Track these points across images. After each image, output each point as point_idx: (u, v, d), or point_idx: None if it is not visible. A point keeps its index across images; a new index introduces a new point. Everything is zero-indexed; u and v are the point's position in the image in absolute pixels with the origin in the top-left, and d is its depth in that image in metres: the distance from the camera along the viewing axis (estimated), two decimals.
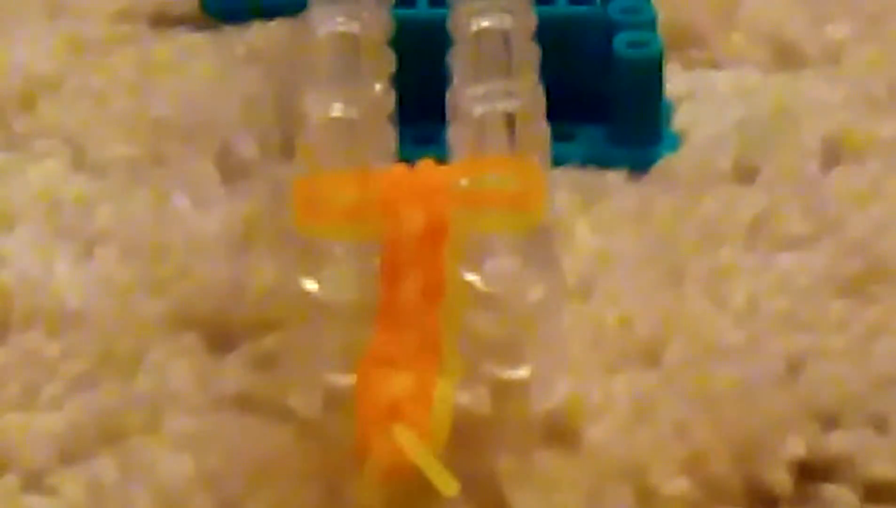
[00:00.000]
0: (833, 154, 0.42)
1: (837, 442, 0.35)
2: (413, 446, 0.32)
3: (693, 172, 0.42)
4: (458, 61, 0.38)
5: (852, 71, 0.45)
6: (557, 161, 0.39)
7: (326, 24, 0.39)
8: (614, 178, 0.42)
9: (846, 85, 0.44)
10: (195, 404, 0.36)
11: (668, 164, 0.42)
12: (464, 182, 0.34)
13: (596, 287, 0.38)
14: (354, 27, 0.38)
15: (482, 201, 0.34)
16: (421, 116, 0.39)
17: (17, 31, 0.47)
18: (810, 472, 0.34)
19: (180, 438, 0.35)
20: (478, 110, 0.36)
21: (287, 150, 0.41)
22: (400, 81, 0.39)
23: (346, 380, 0.33)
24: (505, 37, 0.38)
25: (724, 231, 0.40)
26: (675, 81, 0.44)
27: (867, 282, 0.39)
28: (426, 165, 0.35)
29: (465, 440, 0.33)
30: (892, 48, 0.45)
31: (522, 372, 0.35)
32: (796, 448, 0.35)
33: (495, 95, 0.36)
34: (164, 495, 0.34)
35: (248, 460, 0.35)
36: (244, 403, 0.36)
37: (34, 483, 0.35)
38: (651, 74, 0.42)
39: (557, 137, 0.38)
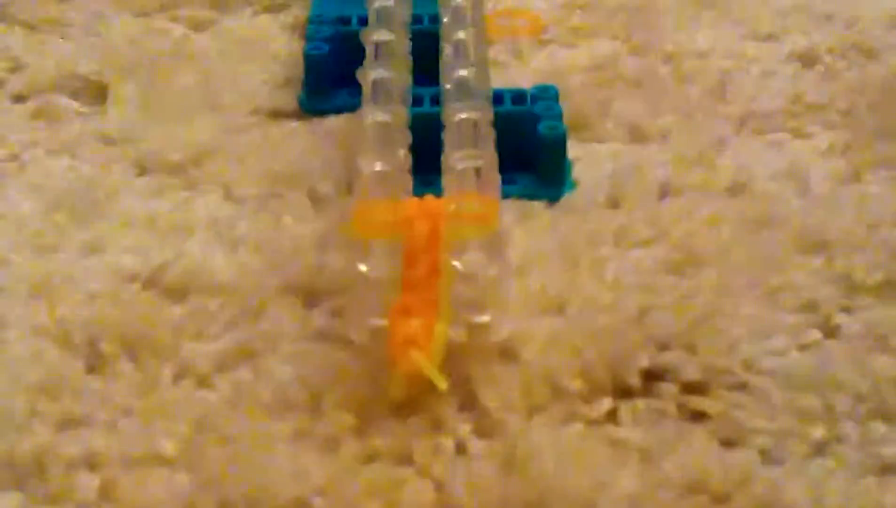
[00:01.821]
0: (664, 191, 0.42)
1: (666, 359, 0.35)
2: (422, 361, 0.32)
3: (583, 203, 0.41)
4: (448, 138, 0.38)
5: (676, 144, 0.44)
6: (504, 195, 0.39)
7: (371, 115, 0.38)
8: (538, 206, 0.41)
9: (671, 152, 0.44)
10: (296, 338, 0.36)
11: (569, 198, 0.42)
12: (451, 208, 0.35)
13: (527, 269, 0.38)
14: (387, 118, 0.38)
15: (461, 219, 0.34)
16: (427, 170, 0.38)
17: (193, 117, 0.46)
18: (651, 375, 0.35)
19: (288, 357, 0.35)
20: (459, 166, 0.36)
21: (349, 189, 0.41)
22: (414, 149, 0.39)
23: (383, 323, 0.34)
24: (475, 123, 0.38)
25: (601, 237, 0.40)
26: (573, 149, 0.43)
27: (683, 266, 0.38)
28: (429, 198, 0.36)
29: (452, 358, 0.34)
30: (699, 131, 0.45)
31: (485, 318, 0.35)
32: (642, 361, 0.35)
33: (469, 157, 0.36)
34: (279, 393, 0.34)
35: (327, 369, 0.35)
36: (325, 337, 0.36)
37: (203, 382, 0.35)
38: (560, 146, 0.42)
39: (505, 181, 0.38)
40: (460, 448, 0.32)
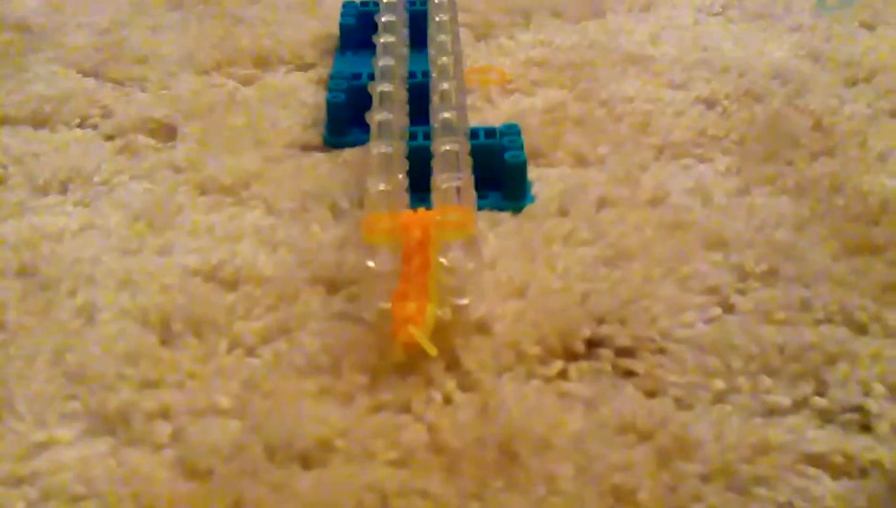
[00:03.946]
0: (601, 203, 0.42)
1: (603, 330, 0.35)
2: (417, 334, 0.32)
3: (539, 212, 0.41)
4: (436, 164, 0.38)
5: (610, 167, 0.44)
6: (479, 207, 0.39)
7: (377, 148, 0.38)
8: (505, 215, 0.41)
9: (607, 173, 0.44)
10: (321, 317, 0.36)
11: (529, 209, 0.41)
12: (438, 218, 0.35)
13: (497, 262, 0.38)
14: (389, 149, 0.38)
15: (446, 226, 0.34)
16: (420, 189, 0.38)
17: (242, 150, 0.46)
18: (592, 343, 0.35)
19: (315, 332, 0.35)
20: (444, 185, 0.36)
21: (361, 204, 0.41)
22: (410, 173, 0.39)
23: (387, 306, 0.34)
24: (456, 153, 0.38)
25: (554, 238, 0.39)
26: (532, 172, 0.43)
27: (616, 260, 0.38)
28: (422, 211, 0.36)
29: (440, 332, 0.34)
30: (628, 157, 0.44)
31: (465, 301, 0.35)
32: (585, 332, 0.35)
33: (451, 178, 0.36)
34: (308, 359, 0.34)
35: (345, 341, 0.35)
36: (343, 316, 0.36)
37: (250, 351, 0.35)
38: (521, 170, 0.42)
39: (479, 197, 0.38)
40: (447, 400, 0.32)
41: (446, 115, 0.40)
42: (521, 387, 0.33)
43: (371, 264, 0.34)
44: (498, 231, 0.40)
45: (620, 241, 0.39)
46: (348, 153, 0.45)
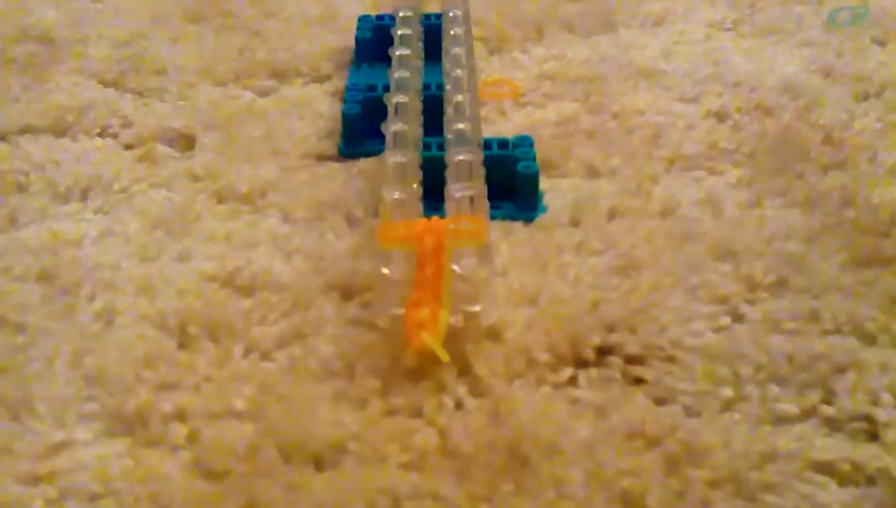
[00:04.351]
0: (612, 214, 0.42)
1: (613, 338, 0.35)
2: (430, 340, 0.32)
3: (551, 222, 0.41)
4: (449, 174, 0.38)
5: (621, 179, 0.44)
6: (492, 217, 0.39)
7: (392, 158, 0.39)
8: (517, 225, 0.41)
9: (618, 185, 0.44)
10: (337, 323, 0.36)
11: (541, 219, 0.42)
12: (451, 226, 0.35)
13: (509, 271, 0.38)
14: (404, 159, 0.38)
15: (459, 234, 0.35)
16: (434, 198, 0.39)
17: (259, 160, 0.46)
18: (602, 350, 0.35)
19: (329, 338, 0.35)
20: (457, 195, 0.36)
21: (375, 213, 0.41)
22: (424, 182, 0.39)
23: (401, 312, 0.34)
24: (469, 164, 0.38)
25: (565, 248, 0.40)
26: (544, 183, 0.43)
27: (626, 270, 0.38)
28: (435, 219, 0.36)
29: (452, 338, 0.34)
30: (639, 169, 0.45)
31: (477, 307, 0.35)
32: (595, 340, 0.35)
33: (464, 188, 0.37)
34: (323, 364, 0.34)
35: (359, 346, 0.35)
36: (357, 322, 0.36)
37: (265, 356, 0.35)
38: (534, 180, 0.42)
39: (492, 206, 0.38)
40: (458, 405, 0.33)
41: (460, 126, 0.40)
42: (531, 393, 0.33)
43: (385, 270, 0.34)
44: (510, 240, 0.40)
45: (631, 251, 0.39)
46: (363, 163, 0.46)
